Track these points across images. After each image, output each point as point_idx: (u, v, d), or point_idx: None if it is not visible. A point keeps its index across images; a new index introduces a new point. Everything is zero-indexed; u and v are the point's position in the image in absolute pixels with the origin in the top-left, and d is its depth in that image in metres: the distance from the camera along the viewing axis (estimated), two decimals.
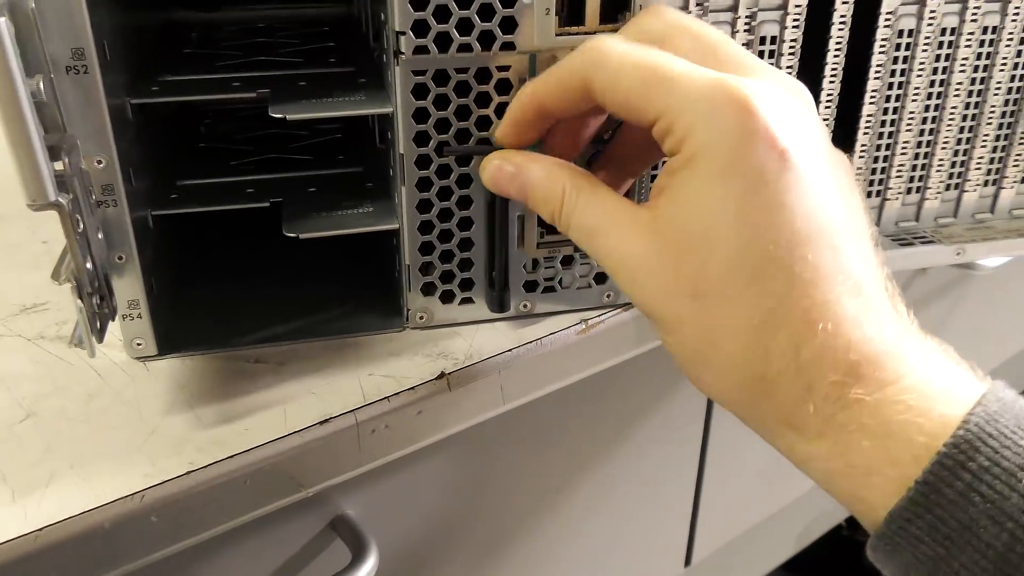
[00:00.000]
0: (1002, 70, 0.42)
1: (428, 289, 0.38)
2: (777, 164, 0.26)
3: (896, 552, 0.25)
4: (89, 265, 0.31)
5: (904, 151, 0.43)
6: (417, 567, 0.47)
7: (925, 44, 0.40)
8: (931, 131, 0.43)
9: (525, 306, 0.40)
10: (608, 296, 0.40)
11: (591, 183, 0.30)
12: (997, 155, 0.45)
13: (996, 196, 0.46)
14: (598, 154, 0.36)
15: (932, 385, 0.25)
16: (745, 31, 0.37)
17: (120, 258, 0.33)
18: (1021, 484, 0.23)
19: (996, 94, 0.43)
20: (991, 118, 0.44)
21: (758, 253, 0.26)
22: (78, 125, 0.30)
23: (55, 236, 0.47)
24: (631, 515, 0.59)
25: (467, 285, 0.39)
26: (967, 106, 0.43)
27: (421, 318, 0.39)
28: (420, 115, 0.34)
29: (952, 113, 0.43)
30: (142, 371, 0.37)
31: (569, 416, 0.49)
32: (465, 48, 0.33)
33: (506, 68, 0.34)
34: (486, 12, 0.32)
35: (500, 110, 0.34)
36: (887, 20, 0.39)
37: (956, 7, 0.40)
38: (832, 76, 0.40)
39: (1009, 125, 0.44)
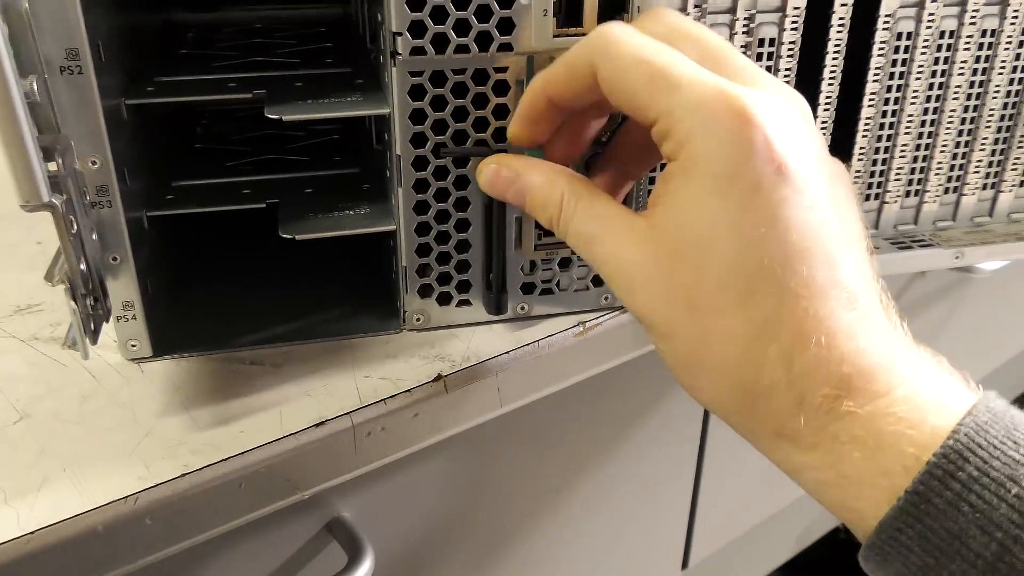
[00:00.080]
0: (1001, 73, 0.42)
1: (425, 291, 0.38)
2: (773, 176, 0.26)
3: (886, 562, 0.25)
4: (83, 266, 0.31)
5: (903, 154, 0.43)
6: (414, 570, 0.47)
7: (924, 47, 0.40)
8: (930, 134, 0.43)
9: (522, 308, 0.39)
10: (606, 298, 0.40)
11: (589, 190, 0.30)
12: (996, 158, 0.45)
13: (995, 200, 0.46)
14: (597, 156, 0.35)
15: (923, 396, 0.26)
16: (743, 33, 0.37)
17: (115, 259, 0.33)
18: (1010, 494, 0.23)
19: (995, 97, 0.43)
20: (990, 121, 0.43)
21: (752, 266, 0.26)
22: (72, 126, 0.30)
23: (50, 237, 0.47)
24: (629, 517, 0.59)
25: (464, 287, 0.38)
26: (966, 109, 0.43)
27: (418, 320, 0.39)
28: (417, 116, 0.34)
29: (951, 116, 0.43)
30: (137, 373, 0.37)
31: (567, 418, 0.48)
32: (462, 49, 0.33)
33: (504, 69, 0.34)
34: (483, 13, 0.32)
35: (498, 111, 0.34)
36: (886, 22, 0.39)
37: (955, 10, 0.40)
38: (830, 79, 0.40)
39: (1008, 128, 0.44)
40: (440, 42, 0.33)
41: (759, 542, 0.74)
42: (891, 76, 0.41)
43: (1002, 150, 0.45)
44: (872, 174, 0.43)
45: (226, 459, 0.32)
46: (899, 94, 0.41)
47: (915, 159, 0.44)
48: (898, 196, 0.44)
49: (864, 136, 0.42)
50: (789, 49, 0.38)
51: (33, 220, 0.48)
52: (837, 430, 0.26)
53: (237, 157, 0.45)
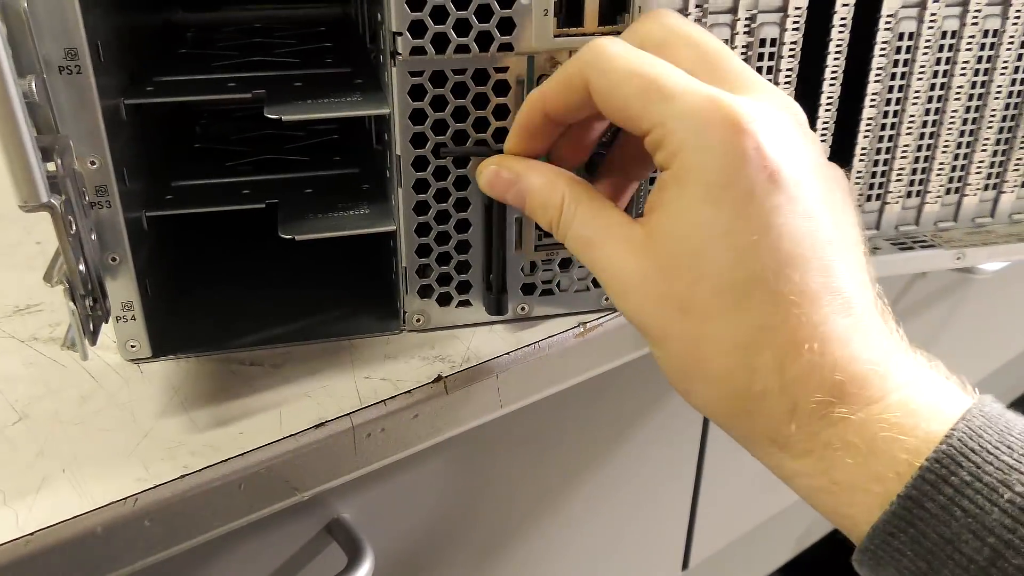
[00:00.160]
0: (1003, 73, 0.42)
1: (425, 292, 0.38)
2: (766, 184, 0.26)
3: (879, 566, 0.25)
4: (82, 267, 0.31)
5: (904, 155, 0.43)
6: (414, 571, 0.47)
7: (926, 47, 0.40)
8: (931, 135, 0.43)
9: (523, 309, 0.39)
10: (606, 299, 0.40)
11: (589, 194, 0.30)
12: (997, 159, 0.45)
13: (996, 200, 0.46)
14: (599, 157, 0.35)
15: (917, 401, 0.26)
16: (745, 33, 0.37)
17: (114, 259, 0.33)
18: (1003, 499, 0.23)
19: (997, 97, 0.43)
20: (991, 122, 0.43)
21: (745, 273, 0.26)
22: (71, 126, 0.30)
23: (49, 237, 0.47)
24: (629, 518, 0.59)
25: (464, 288, 0.38)
26: (968, 110, 0.43)
27: (418, 321, 0.39)
28: (417, 116, 0.34)
29: (952, 117, 0.43)
30: (136, 373, 0.36)
31: (567, 419, 0.48)
32: (463, 49, 0.33)
33: (504, 69, 0.34)
34: (484, 13, 0.32)
35: (498, 112, 0.34)
36: (888, 23, 0.39)
37: (957, 10, 0.40)
38: (832, 79, 0.40)
39: (1010, 129, 0.44)
40: (440, 42, 0.32)
41: (759, 543, 0.74)
42: (893, 76, 0.41)
43: (1004, 151, 0.45)
44: (873, 175, 0.43)
45: (225, 460, 0.32)
46: (901, 94, 0.41)
47: (917, 160, 0.43)
48: (899, 197, 0.44)
49: (865, 137, 0.42)
50: (790, 49, 0.38)
51: (32, 220, 0.48)
52: (830, 436, 0.26)
53: (236, 157, 0.45)
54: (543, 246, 0.38)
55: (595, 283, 0.40)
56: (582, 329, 0.39)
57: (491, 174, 0.32)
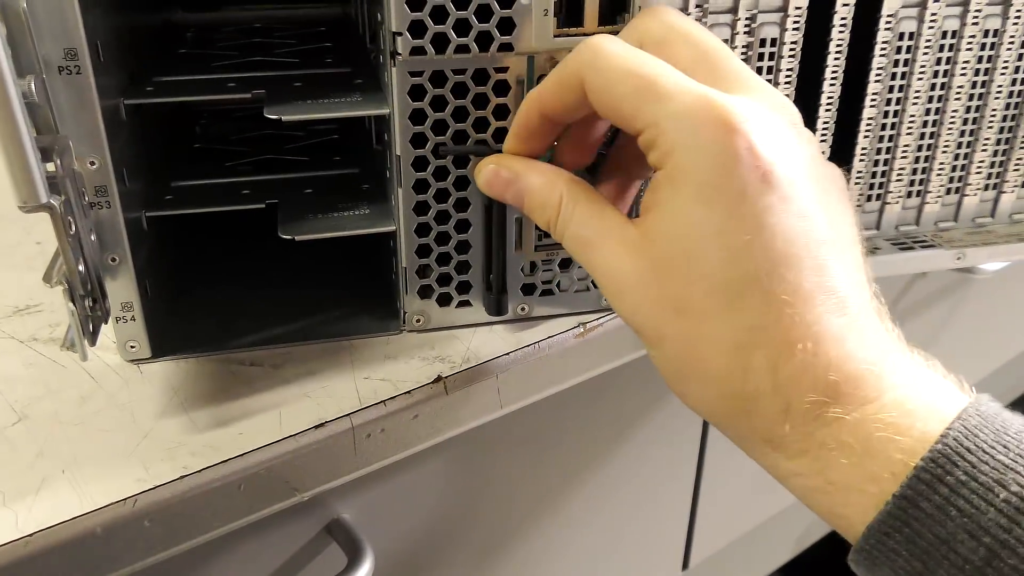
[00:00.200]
0: (1003, 73, 0.42)
1: (425, 292, 0.38)
2: (759, 184, 0.26)
3: (875, 566, 0.25)
4: (81, 267, 0.31)
5: (904, 155, 0.43)
6: (414, 571, 0.47)
7: (926, 47, 0.40)
8: (932, 135, 0.43)
9: (523, 309, 0.39)
10: (605, 300, 0.40)
11: (588, 195, 0.30)
12: (998, 159, 0.45)
13: (997, 200, 0.46)
14: (600, 157, 0.35)
15: (913, 401, 0.26)
16: (745, 33, 0.37)
17: (113, 260, 0.33)
18: (998, 499, 0.23)
19: (997, 97, 0.43)
20: (992, 122, 0.43)
21: (738, 273, 0.26)
22: (71, 126, 0.30)
23: (49, 237, 0.47)
24: (629, 518, 0.59)
25: (464, 288, 0.38)
26: (968, 109, 0.43)
27: (418, 321, 0.39)
28: (417, 117, 0.34)
29: (953, 116, 0.43)
30: (136, 374, 0.36)
31: (567, 419, 0.48)
32: (463, 49, 0.33)
33: (504, 69, 0.34)
34: (484, 13, 0.32)
35: (498, 112, 0.34)
36: (888, 23, 0.39)
37: (957, 10, 0.40)
38: (832, 79, 0.40)
39: (1010, 129, 0.44)
40: (440, 42, 0.32)
41: (759, 543, 0.74)
42: (893, 76, 0.41)
43: (1004, 151, 0.45)
44: (874, 175, 0.43)
45: (225, 461, 0.32)
46: (901, 94, 0.41)
47: (917, 160, 0.43)
48: (900, 197, 0.44)
49: (866, 136, 0.42)
50: (791, 49, 0.38)
51: (32, 220, 0.48)
52: (824, 436, 0.26)
53: (236, 157, 0.45)
54: (543, 246, 0.38)
55: (595, 283, 0.40)
56: (582, 329, 0.39)
57: (490, 173, 0.32)
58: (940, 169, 0.44)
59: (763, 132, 0.26)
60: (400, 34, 0.32)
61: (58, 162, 0.29)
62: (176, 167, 0.42)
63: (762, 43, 0.37)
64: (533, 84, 0.34)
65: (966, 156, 0.44)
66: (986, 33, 0.41)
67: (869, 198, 0.44)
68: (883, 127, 0.42)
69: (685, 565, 0.67)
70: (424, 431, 0.36)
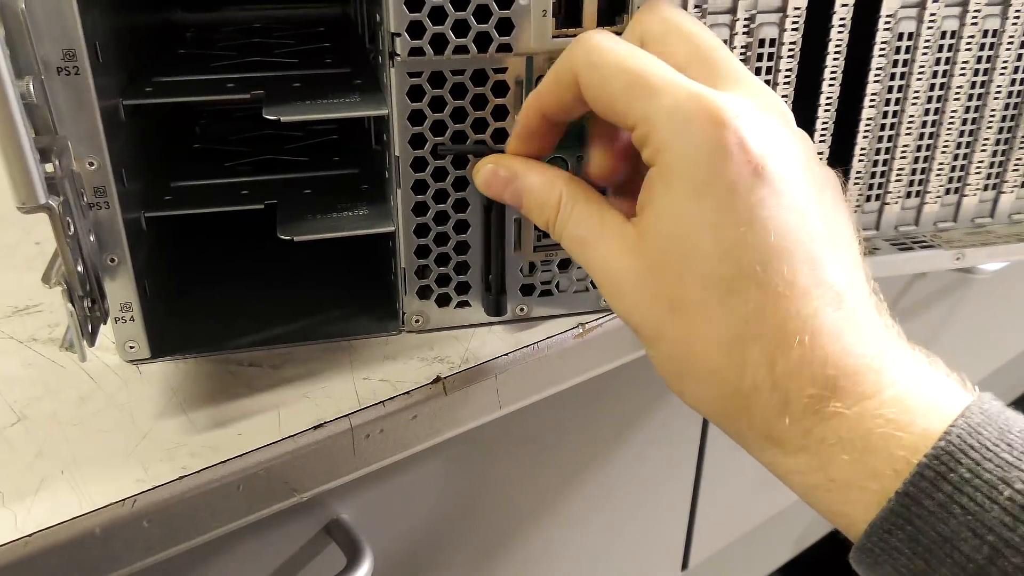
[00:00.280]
0: (1002, 74, 0.42)
1: (424, 292, 0.38)
2: (750, 178, 0.26)
3: (877, 564, 0.25)
4: (80, 268, 0.31)
5: (904, 155, 0.43)
6: (413, 571, 0.47)
7: (925, 47, 0.40)
8: (931, 135, 0.43)
9: (522, 310, 0.39)
10: (604, 300, 0.40)
11: (586, 194, 0.30)
12: (997, 159, 0.45)
13: (996, 200, 0.46)
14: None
15: (914, 397, 0.25)
16: (744, 33, 0.37)
17: (112, 260, 0.33)
18: (1002, 496, 0.23)
19: (996, 98, 0.43)
20: (991, 122, 0.43)
21: (733, 267, 0.26)
22: (69, 127, 0.30)
23: (48, 237, 0.47)
24: (628, 518, 0.59)
25: (463, 288, 0.38)
26: (967, 110, 0.43)
27: (417, 321, 0.39)
28: (416, 117, 0.34)
29: (952, 117, 0.43)
30: (135, 374, 0.36)
31: (566, 420, 0.48)
32: (461, 50, 0.33)
33: (503, 70, 0.33)
34: (482, 14, 0.32)
35: (497, 112, 0.34)
36: (887, 23, 0.39)
37: (956, 10, 0.40)
38: (831, 79, 0.40)
39: (1009, 129, 0.44)
40: (439, 43, 0.32)
41: (759, 543, 0.74)
42: (892, 77, 0.41)
43: (1003, 151, 0.45)
44: (873, 175, 0.43)
45: (224, 461, 0.32)
46: (900, 95, 0.41)
47: (916, 160, 0.43)
48: (899, 197, 0.44)
49: (865, 137, 0.42)
50: (790, 50, 0.38)
51: (31, 221, 0.48)
52: (824, 432, 0.25)
53: (236, 157, 0.45)
54: (542, 247, 0.38)
55: (594, 284, 0.40)
56: (581, 330, 0.39)
57: (488, 173, 0.32)
58: (939, 169, 0.44)
59: (754, 127, 0.26)
60: (399, 35, 0.32)
61: (57, 163, 0.29)
62: (175, 167, 0.42)
63: (761, 43, 0.37)
64: (532, 85, 0.34)
65: (965, 156, 0.44)
66: (985, 33, 0.41)
67: (868, 198, 0.44)
68: (882, 127, 0.42)
69: (685, 565, 0.67)
70: (423, 431, 0.36)
